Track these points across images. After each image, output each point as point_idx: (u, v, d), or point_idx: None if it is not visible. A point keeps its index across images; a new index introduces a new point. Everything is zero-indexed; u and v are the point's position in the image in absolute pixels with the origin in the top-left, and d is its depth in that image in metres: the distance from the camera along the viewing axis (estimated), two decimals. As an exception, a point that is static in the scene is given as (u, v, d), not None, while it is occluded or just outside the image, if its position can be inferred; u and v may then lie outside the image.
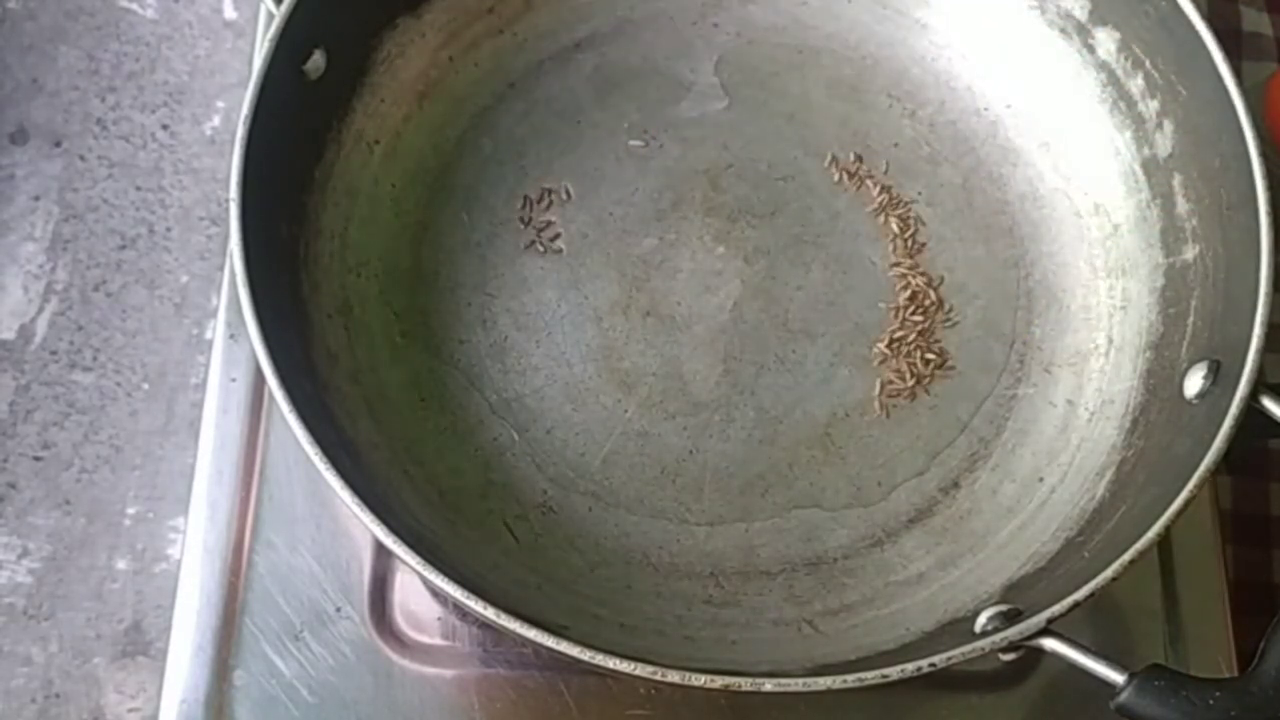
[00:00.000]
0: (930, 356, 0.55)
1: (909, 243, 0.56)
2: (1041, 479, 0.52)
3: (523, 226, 0.56)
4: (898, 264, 0.56)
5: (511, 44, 0.58)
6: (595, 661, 0.39)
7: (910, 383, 0.54)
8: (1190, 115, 0.52)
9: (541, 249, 0.55)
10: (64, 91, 0.61)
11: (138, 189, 0.60)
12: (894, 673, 0.40)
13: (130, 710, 0.52)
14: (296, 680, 0.49)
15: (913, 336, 0.55)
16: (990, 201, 0.58)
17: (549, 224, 0.56)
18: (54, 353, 0.56)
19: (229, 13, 0.63)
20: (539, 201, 0.56)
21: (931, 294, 0.56)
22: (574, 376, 0.53)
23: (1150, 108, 0.54)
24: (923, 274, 0.56)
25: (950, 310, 0.55)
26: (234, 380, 0.53)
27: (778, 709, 0.50)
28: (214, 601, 0.50)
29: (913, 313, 0.55)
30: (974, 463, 0.53)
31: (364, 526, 0.41)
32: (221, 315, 0.55)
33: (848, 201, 0.57)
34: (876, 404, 0.54)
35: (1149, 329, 0.53)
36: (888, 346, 0.54)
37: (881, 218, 0.57)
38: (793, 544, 0.51)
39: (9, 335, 0.57)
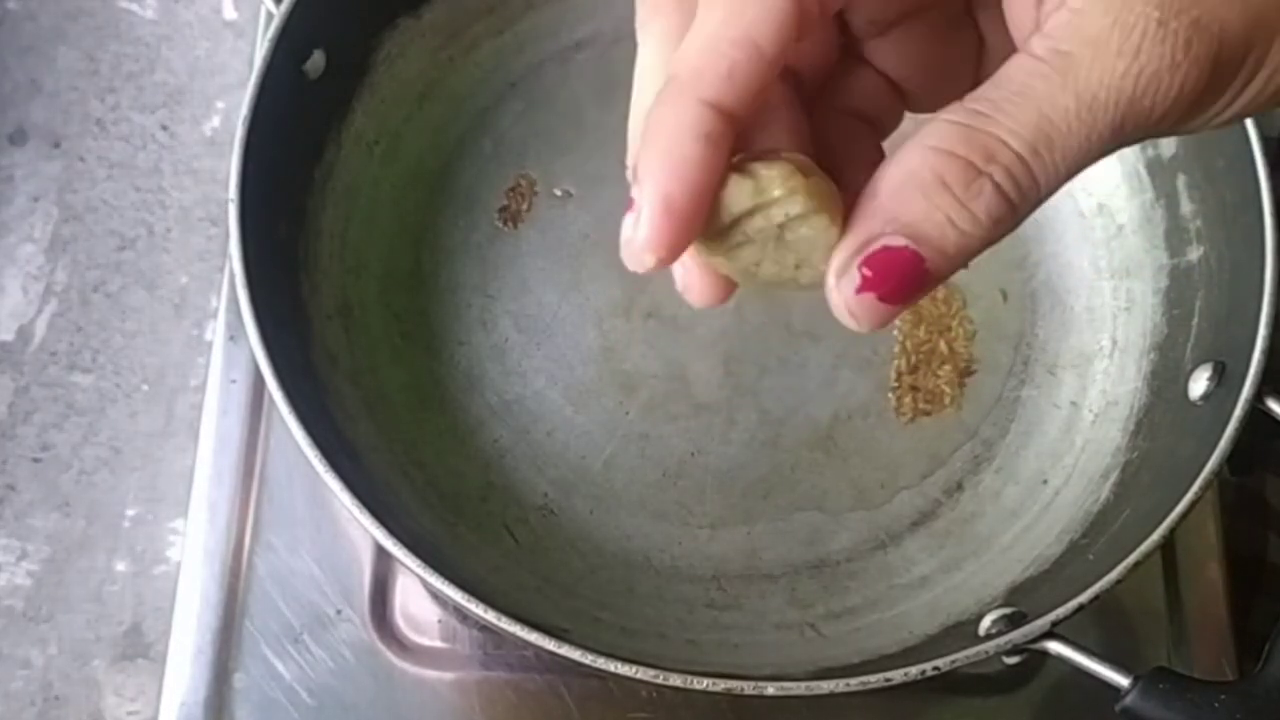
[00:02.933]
0: (948, 369, 0.54)
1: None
2: (1045, 481, 0.52)
3: (524, 227, 0.56)
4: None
5: (512, 44, 0.58)
6: (596, 664, 0.39)
7: (937, 393, 0.54)
8: (1194, 115, 0.51)
9: (542, 250, 0.55)
10: (63, 92, 0.60)
11: (137, 190, 0.59)
12: (897, 676, 0.40)
13: (130, 713, 0.52)
14: (296, 683, 0.49)
15: (927, 346, 0.54)
16: (993, 202, 0.57)
17: (550, 225, 0.56)
18: (53, 354, 0.56)
19: (229, 13, 0.63)
20: (540, 202, 0.56)
21: (935, 295, 0.55)
22: (575, 378, 0.53)
23: (1154, 108, 0.53)
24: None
25: (954, 312, 0.55)
26: (234, 382, 0.53)
27: (780, 712, 0.49)
28: (214, 604, 0.50)
29: (917, 320, 0.55)
30: (977, 465, 0.53)
31: (364, 529, 0.41)
32: (221, 317, 0.55)
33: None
34: (893, 412, 0.53)
35: (1153, 330, 0.53)
36: (902, 358, 0.54)
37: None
38: (795, 547, 0.51)
39: (8, 337, 0.56)
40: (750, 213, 0.22)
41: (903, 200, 0.21)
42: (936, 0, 0.26)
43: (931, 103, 0.27)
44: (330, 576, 0.51)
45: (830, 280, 0.22)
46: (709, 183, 0.21)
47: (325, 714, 0.49)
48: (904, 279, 0.21)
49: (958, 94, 0.25)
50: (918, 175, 0.21)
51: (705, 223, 0.22)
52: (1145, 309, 0.54)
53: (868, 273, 0.21)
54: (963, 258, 0.22)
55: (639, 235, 0.21)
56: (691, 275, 0.25)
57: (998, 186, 0.21)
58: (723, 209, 0.22)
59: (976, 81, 0.25)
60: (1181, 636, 0.52)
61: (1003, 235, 0.22)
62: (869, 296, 0.21)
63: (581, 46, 0.59)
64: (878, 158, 0.25)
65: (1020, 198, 0.21)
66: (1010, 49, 0.24)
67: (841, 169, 0.24)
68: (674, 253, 0.22)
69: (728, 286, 0.25)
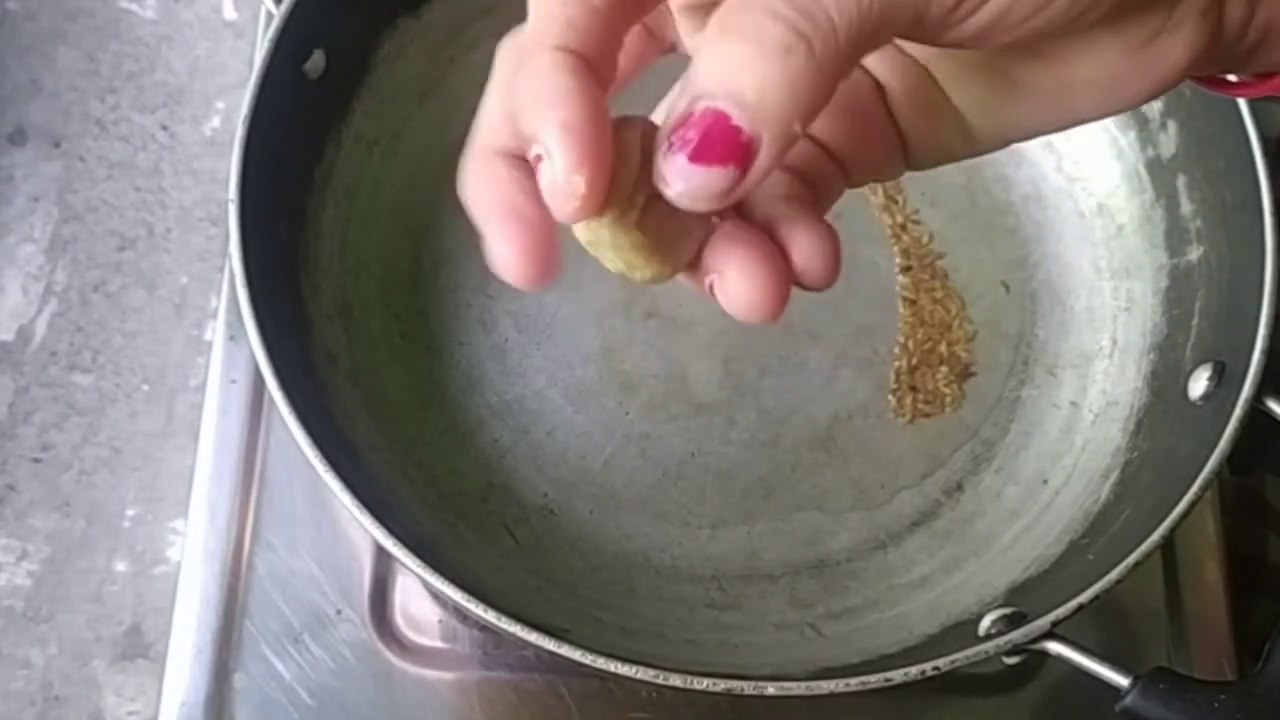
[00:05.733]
0: (946, 369, 0.54)
1: (912, 244, 0.56)
2: (1045, 481, 0.52)
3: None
4: (900, 265, 0.56)
5: (512, 44, 0.58)
6: (597, 665, 0.39)
7: (936, 394, 0.54)
8: (1194, 116, 0.52)
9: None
10: (63, 92, 0.60)
11: (137, 190, 0.59)
12: (897, 676, 0.40)
13: (130, 713, 0.52)
14: (296, 683, 0.49)
15: (927, 346, 0.54)
16: (994, 202, 0.57)
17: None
18: (53, 354, 0.56)
19: (229, 13, 0.63)
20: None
21: (935, 295, 0.55)
22: (575, 378, 0.53)
23: (1154, 108, 0.54)
24: (926, 275, 0.56)
25: (954, 314, 0.55)
26: (234, 382, 0.53)
27: (780, 712, 0.49)
28: (214, 604, 0.50)
29: (917, 322, 0.55)
30: (978, 465, 0.53)
31: (364, 529, 0.41)
32: (221, 317, 0.54)
33: (850, 202, 0.57)
34: (893, 412, 0.53)
35: (1153, 330, 0.53)
36: (903, 359, 0.54)
37: (884, 219, 0.57)
38: (795, 547, 0.51)
39: (8, 337, 0.56)
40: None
41: (696, 64, 0.21)
42: None
43: (856, 156, 0.27)
44: (330, 576, 0.51)
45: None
46: (592, 109, 0.22)
47: (325, 714, 0.49)
48: (713, 141, 0.21)
49: (876, 137, 0.26)
50: (706, 36, 0.21)
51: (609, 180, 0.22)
52: (1145, 309, 0.54)
53: (673, 140, 0.21)
54: (774, 105, 0.20)
55: (558, 166, 0.21)
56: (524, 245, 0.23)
57: (773, 12, 0.20)
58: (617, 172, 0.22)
59: (895, 122, 0.26)
60: (1181, 636, 0.52)
61: (811, 83, 0.20)
62: (679, 160, 0.21)
63: (581, 46, 0.59)
64: (812, 210, 0.25)
65: (809, 23, 0.20)
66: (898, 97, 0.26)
67: (776, 224, 0.24)
68: (597, 173, 0.21)
69: (552, 250, 0.23)
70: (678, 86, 0.22)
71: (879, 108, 0.27)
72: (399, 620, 0.51)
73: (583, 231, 0.23)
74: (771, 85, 0.20)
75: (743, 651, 0.48)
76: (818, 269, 0.25)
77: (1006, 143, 0.27)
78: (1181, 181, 0.52)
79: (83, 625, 0.53)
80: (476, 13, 0.57)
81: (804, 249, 0.24)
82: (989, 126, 0.26)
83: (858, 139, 0.27)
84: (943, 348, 0.54)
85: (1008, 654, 0.41)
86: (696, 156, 0.21)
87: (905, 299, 0.55)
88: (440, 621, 0.51)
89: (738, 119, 0.20)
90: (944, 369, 0.54)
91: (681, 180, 0.21)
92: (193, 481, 0.52)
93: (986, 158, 0.58)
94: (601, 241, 0.23)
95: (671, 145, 0.21)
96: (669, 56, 0.28)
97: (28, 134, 0.60)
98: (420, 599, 0.51)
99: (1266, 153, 0.47)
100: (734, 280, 0.24)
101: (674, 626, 0.49)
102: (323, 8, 0.49)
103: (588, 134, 0.21)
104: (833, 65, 0.21)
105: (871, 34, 0.21)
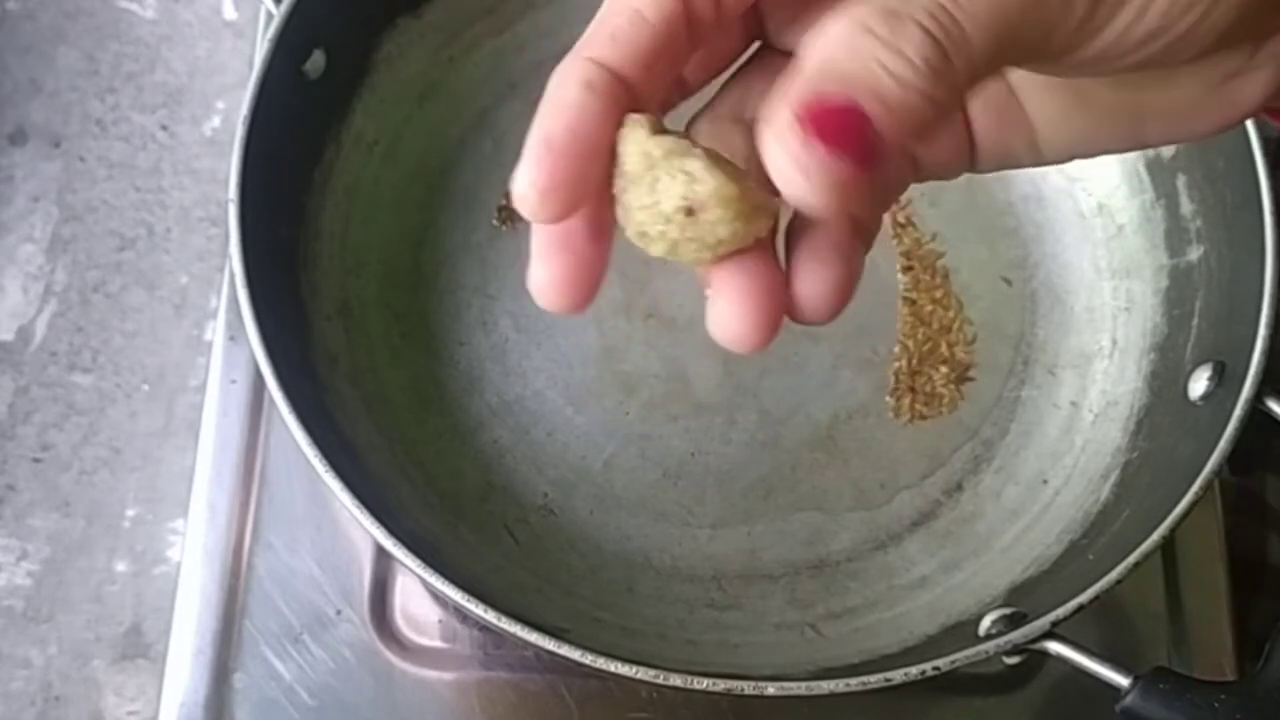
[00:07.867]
0: (945, 370, 0.54)
1: (912, 244, 0.56)
2: (1045, 481, 0.52)
3: (523, 227, 0.56)
4: (901, 265, 0.56)
5: (512, 44, 0.58)
6: (596, 665, 0.39)
7: (935, 394, 0.54)
8: (1194, 115, 0.51)
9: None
10: (63, 92, 0.60)
11: (137, 190, 0.59)
12: (897, 676, 0.40)
13: (129, 713, 0.52)
14: (296, 683, 0.49)
15: (927, 347, 0.54)
16: (994, 202, 0.57)
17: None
18: (53, 354, 0.56)
19: (228, 13, 0.63)
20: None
21: (935, 295, 0.55)
22: (575, 379, 0.53)
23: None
24: (926, 275, 0.56)
25: (954, 312, 0.55)
26: (234, 382, 0.53)
27: (780, 713, 0.49)
28: (213, 604, 0.50)
29: (917, 321, 0.55)
30: (978, 465, 0.53)
31: (364, 529, 0.41)
32: (221, 317, 0.55)
33: (850, 202, 0.57)
34: (891, 412, 0.53)
35: (1153, 330, 0.53)
36: (903, 359, 0.54)
37: (885, 218, 0.57)
38: (795, 547, 0.51)
39: (8, 337, 0.56)
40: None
41: (830, 55, 0.20)
42: None
43: (932, 151, 0.27)
44: (330, 576, 0.51)
45: (768, 138, 0.20)
46: (589, 126, 0.22)
47: (325, 714, 0.49)
48: (848, 130, 0.20)
49: (951, 135, 0.27)
50: (841, 33, 0.20)
51: (598, 169, 0.22)
52: (1145, 309, 0.54)
53: (809, 124, 0.20)
54: (907, 112, 0.20)
55: (521, 171, 0.22)
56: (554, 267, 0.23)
57: (921, 25, 0.20)
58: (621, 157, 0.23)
59: (968, 123, 0.27)
60: (1181, 636, 0.52)
61: (945, 97, 0.20)
62: (817, 147, 0.20)
63: (582, 46, 0.59)
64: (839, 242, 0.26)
65: (949, 40, 0.20)
66: None
67: (800, 246, 0.25)
68: (551, 188, 0.22)
69: (590, 283, 0.24)
70: None
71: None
72: (399, 620, 0.51)
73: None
74: (913, 97, 0.20)
75: (743, 651, 0.48)
76: (815, 307, 0.25)
77: (1072, 157, 0.27)
78: (1181, 181, 0.52)
79: (83, 625, 0.53)
80: (477, 13, 0.58)
81: (809, 281, 0.24)
82: (1058, 140, 0.26)
83: (936, 135, 0.26)
84: (943, 348, 0.54)
85: (1008, 654, 0.41)
86: (836, 147, 0.20)
87: (905, 299, 0.55)
88: (440, 621, 0.51)
89: (878, 119, 0.20)
90: (944, 369, 0.54)
91: (814, 168, 0.20)
92: (193, 481, 0.52)
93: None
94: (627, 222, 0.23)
95: (805, 128, 0.20)
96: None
97: (28, 134, 0.60)
98: (420, 599, 0.51)
99: (1266, 153, 0.47)
100: (721, 307, 0.24)
101: (674, 626, 0.49)
102: (323, 8, 0.49)
103: (560, 151, 0.22)
104: (964, 78, 0.20)
105: (1002, 51, 0.21)
